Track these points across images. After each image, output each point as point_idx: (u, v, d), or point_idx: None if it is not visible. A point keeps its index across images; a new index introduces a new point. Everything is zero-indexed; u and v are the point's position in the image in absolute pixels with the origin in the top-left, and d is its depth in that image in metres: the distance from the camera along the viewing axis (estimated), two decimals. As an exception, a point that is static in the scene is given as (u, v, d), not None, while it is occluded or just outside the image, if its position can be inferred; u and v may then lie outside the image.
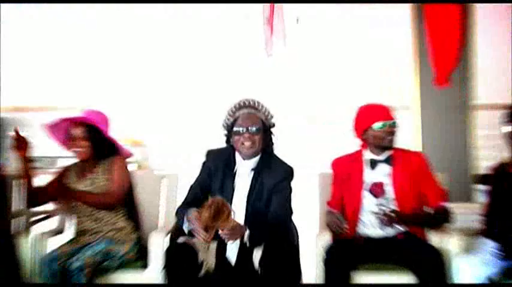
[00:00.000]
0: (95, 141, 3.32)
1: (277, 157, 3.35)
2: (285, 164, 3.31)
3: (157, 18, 5.36)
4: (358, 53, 5.21)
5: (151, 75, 5.43)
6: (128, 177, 3.37)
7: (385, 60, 5.19)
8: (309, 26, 5.21)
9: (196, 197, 3.21)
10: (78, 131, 3.31)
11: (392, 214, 3.05)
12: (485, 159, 4.54)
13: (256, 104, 3.31)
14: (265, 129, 3.27)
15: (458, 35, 4.00)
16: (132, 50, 5.39)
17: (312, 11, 5.03)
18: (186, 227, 3.05)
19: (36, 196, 3.33)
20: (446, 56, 4.10)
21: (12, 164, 3.47)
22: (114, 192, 3.29)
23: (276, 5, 3.94)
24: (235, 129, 3.23)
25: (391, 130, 3.19)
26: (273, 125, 3.32)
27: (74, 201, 3.32)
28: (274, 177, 3.22)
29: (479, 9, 4.81)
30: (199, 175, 3.31)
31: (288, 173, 3.28)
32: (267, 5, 4.00)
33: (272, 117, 3.32)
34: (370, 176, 3.25)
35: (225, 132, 3.33)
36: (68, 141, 3.34)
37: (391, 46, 5.13)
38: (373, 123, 3.21)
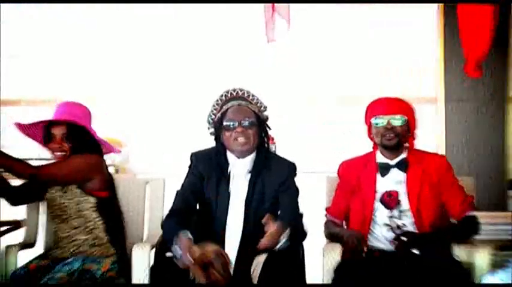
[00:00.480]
0: (76, 142, 3.05)
1: (274, 154, 3.21)
2: (286, 160, 3.14)
3: (146, 14, 5.41)
4: (376, 47, 5.23)
5: (134, 68, 5.43)
6: (81, 172, 3.02)
7: (404, 53, 5.27)
8: (319, 14, 5.22)
9: (188, 203, 3.00)
10: (58, 132, 3.04)
11: (405, 238, 2.83)
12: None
13: (246, 94, 3.09)
14: (260, 123, 3.04)
15: (491, 19, 3.90)
16: (119, 45, 5.43)
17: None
18: (174, 251, 2.73)
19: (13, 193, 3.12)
20: (478, 42, 3.99)
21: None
22: (44, 168, 2.92)
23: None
24: (225, 124, 2.99)
25: (391, 126, 2.93)
26: (267, 119, 3.11)
27: None
28: (277, 177, 3.04)
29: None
30: (187, 178, 3.09)
31: (291, 169, 3.08)
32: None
33: (266, 109, 3.10)
34: (381, 184, 3.01)
35: (212, 130, 3.09)
36: (46, 142, 3.09)
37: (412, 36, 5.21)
38: (372, 118, 3.00)
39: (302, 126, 5.28)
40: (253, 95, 3.10)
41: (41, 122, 3.05)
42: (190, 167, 3.10)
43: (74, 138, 3.01)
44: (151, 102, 5.26)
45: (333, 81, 5.31)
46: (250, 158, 3.01)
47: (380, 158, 3.01)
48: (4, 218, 3.64)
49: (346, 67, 5.31)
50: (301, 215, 3.03)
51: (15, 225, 3.60)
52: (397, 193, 2.94)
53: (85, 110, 3.14)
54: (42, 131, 3.08)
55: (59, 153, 3.01)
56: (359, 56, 5.18)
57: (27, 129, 3.09)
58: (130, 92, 5.28)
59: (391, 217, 2.92)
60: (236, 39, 5.31)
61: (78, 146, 3.03)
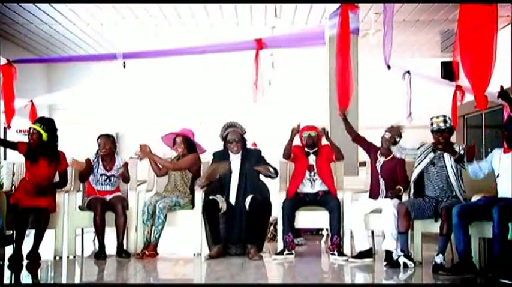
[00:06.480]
0: (187, 145, 5.96)
1: (248, 149, 5.82)
2: (255, 149, 6.05)
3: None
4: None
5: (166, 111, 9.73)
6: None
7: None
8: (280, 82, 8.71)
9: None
10: (179, 139, 5.94)
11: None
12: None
13: (236, 124, 5.69)
14: (242, 138, 5.69)
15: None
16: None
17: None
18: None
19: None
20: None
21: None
22: (176, 164, 5.89)
23: (259, 72, 6.39)
24: (228, 139, 5.63)
25: (311, 136, 5.83)
26: (245, 135, 5.75)
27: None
28: (252, 157, 5.65)
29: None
30: (212, 162, 5.82)
31: (259, 152, 5.82)
32: (254, 71, 6.46)
33: (245, 131, 5.71)
34: (310, 158, 5.87)
35: (222, 141, 5.65)
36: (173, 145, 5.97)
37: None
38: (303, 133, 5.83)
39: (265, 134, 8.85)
40: (239, 124, 5.63)
41: (172, 134, 5.89)
42: (213, 156, 5.75)
43: (187, 143, 5.87)
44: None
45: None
46: (239, 154, 5.68)
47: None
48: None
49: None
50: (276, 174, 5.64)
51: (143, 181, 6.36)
52: (312, 165, 5.84)
53: (190, 132, 5.98)
54: (172, 140, 5.90)
55: (179, 150, 5.82)
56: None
57: (165, 139, 5.91)
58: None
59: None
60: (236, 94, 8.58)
61: (188, 147, 5.89)
